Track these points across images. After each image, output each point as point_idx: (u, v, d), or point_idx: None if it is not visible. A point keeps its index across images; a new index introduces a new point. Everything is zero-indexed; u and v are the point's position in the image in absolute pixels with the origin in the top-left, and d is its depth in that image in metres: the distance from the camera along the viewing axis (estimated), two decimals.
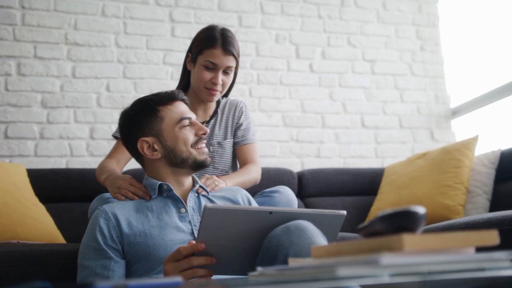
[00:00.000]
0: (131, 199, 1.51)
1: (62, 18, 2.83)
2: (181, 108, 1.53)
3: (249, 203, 1.61)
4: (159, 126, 1.49)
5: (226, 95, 2.14)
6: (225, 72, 1.93)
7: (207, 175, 1.77)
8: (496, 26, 3.17)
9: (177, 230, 1.43)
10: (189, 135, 1.51)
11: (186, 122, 1.51)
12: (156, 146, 1.49)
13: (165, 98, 1.52)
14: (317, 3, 3.31)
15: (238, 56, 1.95)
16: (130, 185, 1.55)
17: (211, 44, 1.90)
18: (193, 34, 1.89)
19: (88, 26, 2.86)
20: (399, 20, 3.47)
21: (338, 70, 3.28)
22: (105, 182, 1.74)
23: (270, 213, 1.18)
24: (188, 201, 1.51)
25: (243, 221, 1.16)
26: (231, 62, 1.92)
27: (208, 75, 1.90)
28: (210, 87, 1.92)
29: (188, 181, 1.56)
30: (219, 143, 2.02)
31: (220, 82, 1.91)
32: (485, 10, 3.30)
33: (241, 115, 2.08)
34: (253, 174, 1.99)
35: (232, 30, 3.14)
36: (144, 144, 1.49)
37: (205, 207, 1.10)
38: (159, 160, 1.51)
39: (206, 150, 1.55)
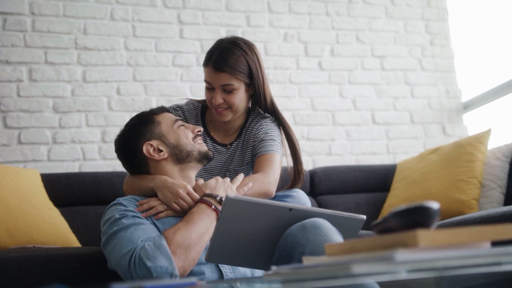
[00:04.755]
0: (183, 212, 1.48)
1: (71, 23, 2.85)
2: (172, 115, 1.66)
3: None
4: (158, 130, 1.58)
5: (260, 105, 1.87)
6: (226, 91, 1.72)
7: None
8: (506, 18, 3.14)
9: None
10: (188, 132, 1.61)
11: (180, 122, 1.63)
12: (161, 147, 1.56)
13: (156, 110, 1.66)
14: (324, 1, 3.30)
15: (237, 70, 1.70)
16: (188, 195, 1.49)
17: (205, 62, 1.76)
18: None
19: (97, 30, 2.88)
20: (408, 15, 3.44)
21: (348, 67, 3.27)
22: (152, 180, 1.56)
23: (290, 209, 1.18)
24: None
25: (262, 215, 1.17)
26: (225, 80, 1.70)
27: (209, 95, 1.76)
28: (215, 107, 1.75)
29: (194, 179, 1.62)
30: (235, 169, 1.86)
31: (220, 101, 1.72)
32: (495, 2, 3.26)
33: (258, 132, 1.83)
34: (255, 187, 1.62)
35: (240, 30, 3.16)
36: (149, 147, 1.56)
37: (227, 197, 1.13)
38: (165, 160, 1.57)
39: (205, 145, 1.67)
